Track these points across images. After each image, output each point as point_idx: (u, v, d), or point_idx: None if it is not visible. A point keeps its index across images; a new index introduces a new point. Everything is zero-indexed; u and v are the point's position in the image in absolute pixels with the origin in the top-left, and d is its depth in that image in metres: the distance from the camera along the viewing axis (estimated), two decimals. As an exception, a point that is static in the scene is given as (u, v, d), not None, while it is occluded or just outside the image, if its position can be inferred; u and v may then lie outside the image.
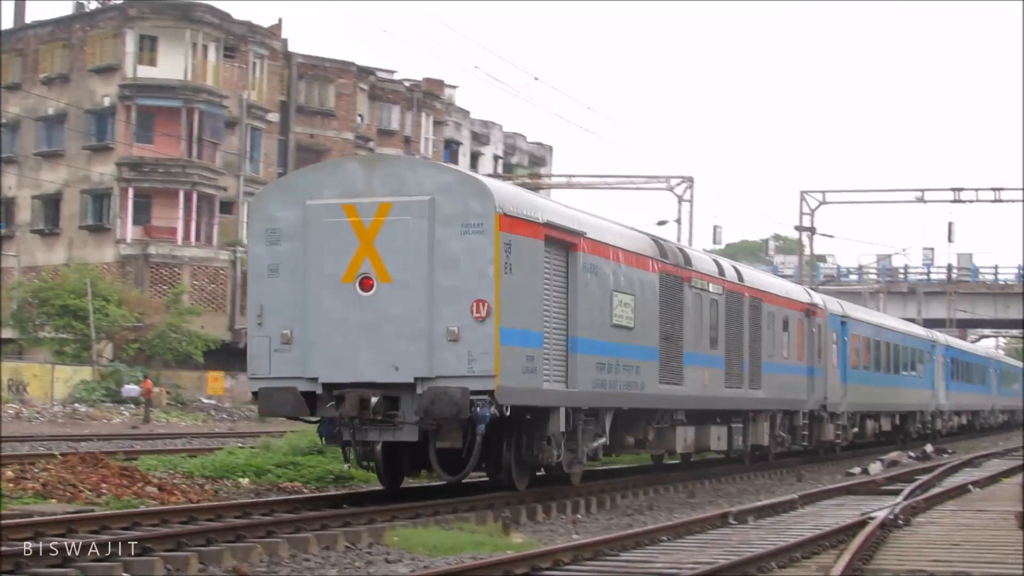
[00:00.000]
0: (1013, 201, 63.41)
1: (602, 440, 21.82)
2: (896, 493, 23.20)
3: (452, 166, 19.89)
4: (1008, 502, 21.95)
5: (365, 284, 18.48)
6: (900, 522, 18.19)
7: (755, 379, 28.64)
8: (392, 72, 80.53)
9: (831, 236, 77.72)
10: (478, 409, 17.92)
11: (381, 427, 18.33)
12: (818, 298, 35.05)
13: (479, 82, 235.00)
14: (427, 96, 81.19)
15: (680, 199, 59.24)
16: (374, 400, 18.12)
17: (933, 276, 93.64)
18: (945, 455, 39.40)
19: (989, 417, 69.00)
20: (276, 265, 19.00)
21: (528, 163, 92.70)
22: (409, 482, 21.52)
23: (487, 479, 21.20)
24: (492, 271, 18.12)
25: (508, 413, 18.45)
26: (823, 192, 65.89)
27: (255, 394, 19.20)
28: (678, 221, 58.58)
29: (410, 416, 18.21)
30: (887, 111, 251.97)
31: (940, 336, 56.13)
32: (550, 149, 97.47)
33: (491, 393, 17.94)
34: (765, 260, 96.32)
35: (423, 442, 18.79)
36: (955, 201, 63.48)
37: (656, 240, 24.56)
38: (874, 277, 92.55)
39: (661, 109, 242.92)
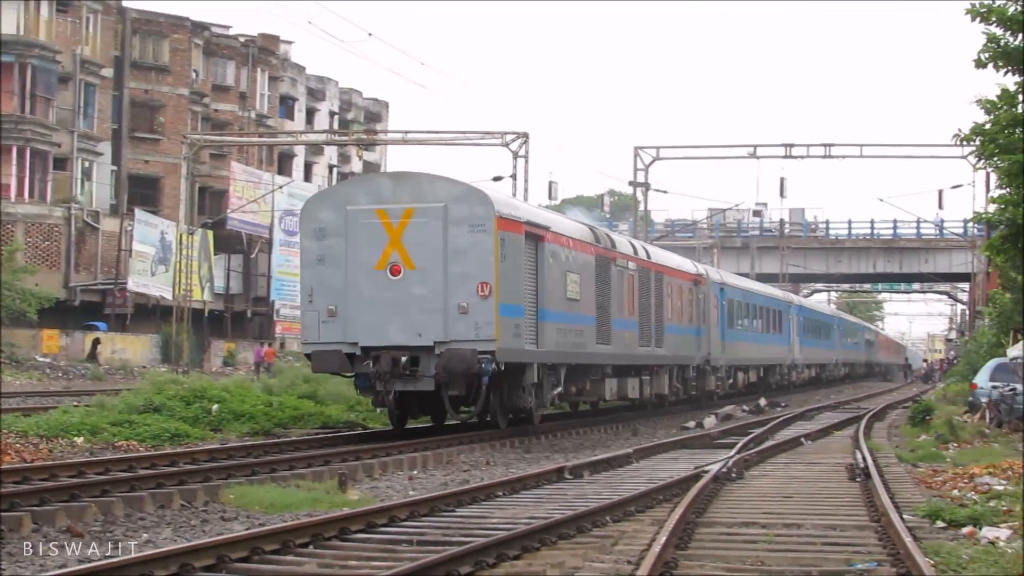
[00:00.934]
0: (843, 157, 67.62)
1: (558, 389, 30.68)
2: (730, 447, 25.60)
3: (461, 180, 28.05)
4: (839, 454, 25.19)
5: (394, 271, 26.72)
6: (733, 475, 20.21)
7: (659, 339, 37.95)
8: (227, 28, 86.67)
9: (665, 192, 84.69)
10: (483, 365, 26.23)
11: (405, 380, 26.61)
12: (702, 268, 44.60)
13: (314, 38, 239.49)
14: (262, 52, 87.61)
15: (515, 155, 61.16)
16: (403, 359, 26.46)
17: (765, 231, 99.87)
18: (779, 408, 44.48)
19: (834, 370, 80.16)
20: (323, 256, 27.23)
21: (364, 119, 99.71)
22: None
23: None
24: (492, 260, 26.49)
25: (503, 368, 27.01)
26: (657, 148, 69.21)
27: (308, 356, 27.56)
28: (513, 177, 60.81)
29: (428, 371, 26.48)
30: (721, 69, 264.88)
31: (795, 297, 65.76)
32: (386, 105, 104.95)
33: (492, 353, 26.30)
34: (601, 216, 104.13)
35: (430, 393, 27.04)
36: (787, 157, 67.43)
37: (592, 229, 33.64)
38: (707, 229, 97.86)
39: (496, 65, 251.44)
